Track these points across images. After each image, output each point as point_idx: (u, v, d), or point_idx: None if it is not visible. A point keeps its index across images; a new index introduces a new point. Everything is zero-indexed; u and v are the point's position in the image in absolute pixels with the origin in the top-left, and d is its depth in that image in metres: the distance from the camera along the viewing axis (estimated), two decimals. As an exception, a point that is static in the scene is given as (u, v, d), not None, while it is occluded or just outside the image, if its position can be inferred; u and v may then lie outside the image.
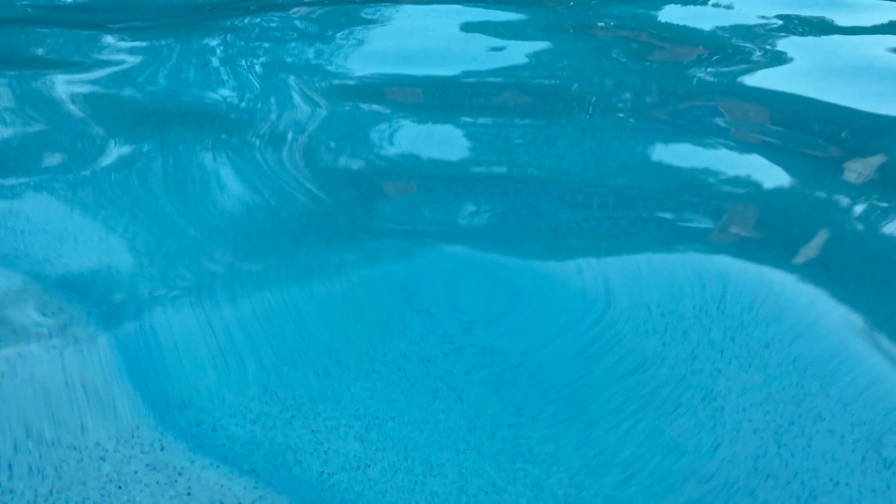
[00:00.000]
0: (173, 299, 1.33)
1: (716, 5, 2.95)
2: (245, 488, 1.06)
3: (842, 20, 2.74)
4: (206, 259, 1.43)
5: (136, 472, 1.06)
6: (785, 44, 2.48)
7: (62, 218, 1.54)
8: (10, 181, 1.67)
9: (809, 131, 1.92)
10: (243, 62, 2.31)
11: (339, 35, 2.56)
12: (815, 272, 1.41)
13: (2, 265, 1.41)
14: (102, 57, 2.34)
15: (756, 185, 1.67)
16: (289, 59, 2.36)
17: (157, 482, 1.06)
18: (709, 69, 2.27)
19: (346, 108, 2.01)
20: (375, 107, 2.03)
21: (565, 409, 1.16)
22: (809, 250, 1.48)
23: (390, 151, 1.80)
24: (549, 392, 1.18)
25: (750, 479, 1.06)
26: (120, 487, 1.05)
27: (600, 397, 1.17)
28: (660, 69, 2.30)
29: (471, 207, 1.58)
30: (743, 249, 1.48)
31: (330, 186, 1.66)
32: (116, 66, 2.26)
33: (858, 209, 1.58)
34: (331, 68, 2.27)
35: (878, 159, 1.79)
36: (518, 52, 2.40)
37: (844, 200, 1.61)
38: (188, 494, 1.04)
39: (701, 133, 1.90)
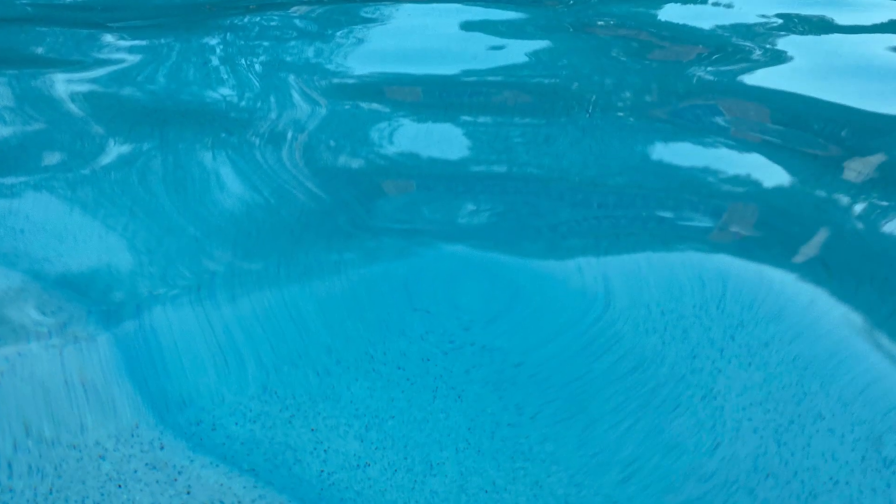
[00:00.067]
0: (173, 298, 1.33)
1: (716, 4, 2.95)
2: (245, 487, 1.06)
3: (842, 19, 2.74)
4: (205, 258, 1.43)
5: (135, 471, 1.06)
6: (785, 42, 2.48)
7: (62, 217, 1.54)
8: (9, 180, 1.67)
9: (809, 130, 1.92)
10: (243, 61, 2.31)
11: (338, 34, 2.56)
12: (815, 271, 1.41)
13: (1, 264, 1.41)
14: (102, 56, 2.34)
15: (756, 184, 1.67)
16: (288, 58, 2.35)
17: (157, 481, 1.06)
18: (709, 68, 2.27)
19: (346, 106, 2.01)
20: (375, 106, 2.03)
21: (565, 408, 1.16)
22: (809, 249, 1.48)
23: (390, 150, 1.80)
24: (548, 391, 1.18)
25: (750, 478, 1.06)
26: (120, 486, 1.05)
27: (600, 396, 1.17)
28: (660, 68, 2.30)
29: (470, 206, 1.58)
30: (743, 248, 1.48)
31: (330, 185, 1.65)
32: (116, 65, 2.26)
33: (858, 208, 1.58)
34: (330, 67, 2.27)
35: (878, 158, 1.79)
36: (518, 50, 2.40)
37: (844, 199, 1.61)
38: (188, 493, 1.04)
39: (701, 132, 1.90)
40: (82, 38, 2.52)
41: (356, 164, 1.75)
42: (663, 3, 2.95)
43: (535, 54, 2.38)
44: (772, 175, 1.70)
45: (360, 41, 2.50)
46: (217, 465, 1.08)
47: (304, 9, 2.85)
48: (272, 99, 2.05)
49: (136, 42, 2.46)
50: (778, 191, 1.65)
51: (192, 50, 2.42)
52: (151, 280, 1.37)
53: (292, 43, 2.49)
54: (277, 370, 1.21)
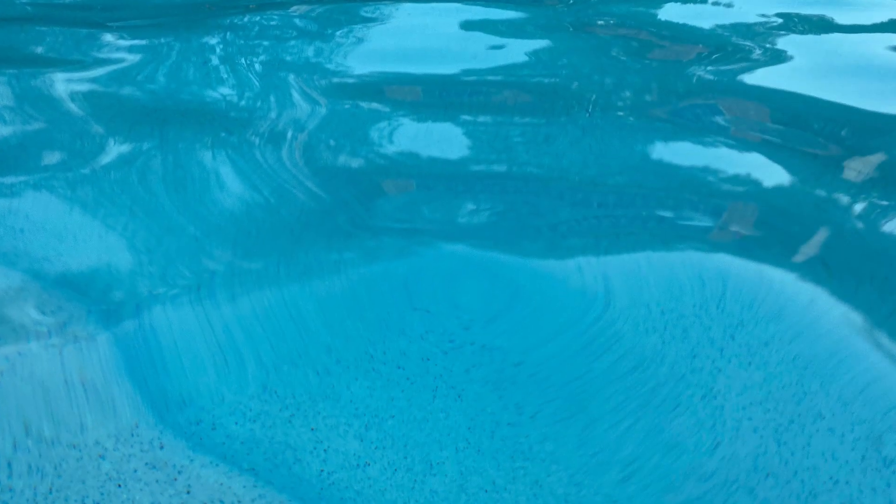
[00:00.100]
0: (173, 298, 1.33)
1: (716, 4, 2.95)
2: (245, 487, 1.05)
3: (842, 18, 2.74)
4: (205, 257, 1.43)
5: (135, 471, 1.06)
6: (785, 42, 2.48)
7: (62, 216, 1.54)
8: (9, 179, 1.67)
9: (809, 129, 1.92)
10: (243, 60, 2.31)
11: (338, 33, 2.56)
12: (815, 270, 1.41)
13: (1, 263, 1.41)
14: (102, 55, 2.34)
15: (756, 184, 1.67)
16: (288, 58, 2.35)
17: (157, 480, 1.05)
18: (709, 67, 2.27)
19: (346, 106, 2.01)
20: (375, 105, 2.02)
21: (565, 408, 1.16)
22: (809, 249, 1.48)
23: (390, 150, 1.79)
24: (548, 390, 1.18)
25: (750, 477, 1.06)
26: (119, 486, 1.05)
27: (600, 396, 1.17)
28: (660, 67, 2.30)
29: (470, 206, 1.58)
30: (743, 248, 1.48)
31: (329, 185, 1.65)
32: (116, 65, 2.26)
33: (858, 207, 1.58)
34: (330, 66, 2.27)
35: (878, 157, 1.79)
36: (518, 50, 2.40)
37: (844, 199, 1.61)
38: (188, 493, 1.04)
39: (701, 131, 1.90)
40: (82, 37, 2.52)
41: (356, 163, 1.75)
42: (663, 3, 2.95)
43: (535, 54, 2.38)
44: (772, 174, 1.70)
45: (360, 40, 2.50)
46: (217, 465, 1.08)
47: (303, 8, 2.85)
48: (272, 98, 2.05)
49: (136, 41, 2.45)
50: (778, 190, 1.65)
51: (192, 49, 2.42)
52: (151, 279, 1.37)
53: (292, 42, 2.49)
54: (277, 369, 1.21)
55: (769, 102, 2.04)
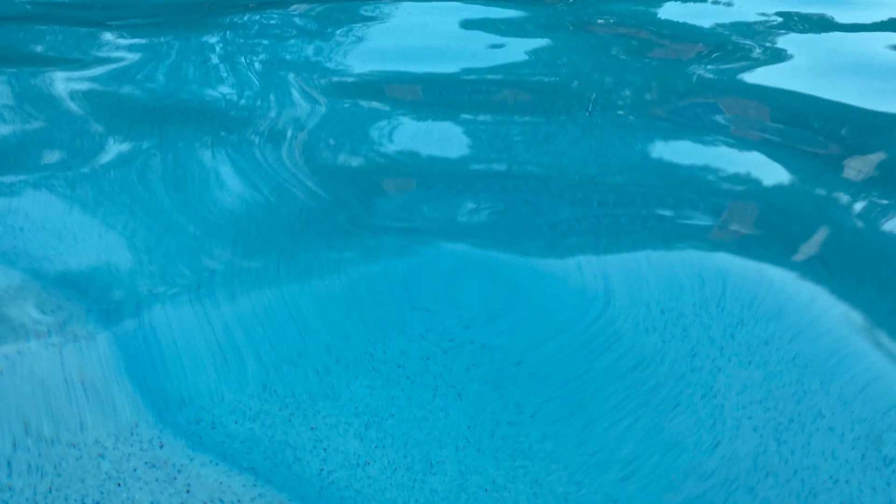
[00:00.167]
0: (172, 297, 1.33)
1: (715, 2, 2.95)
2: (244, 486, 1.05)
3: (842, 17, 2.74)
4: (205, 256, 1.43)
5: (135, 470, 1.06)
6: (785, 41, 2.48)
7: (61, 215, 1.54)
8: (9, 178, 1.66)
9: (809, 128, 1.91)
10: (243, 59, 2.31)
11: (338, 32, 2.56)
12: (815, 269, 1.41)
13: (1, 262, 1.41)
14: (101, 54, 2.34)
15: (756, 183, 1.67)
16: (288, 57, 2.35)
17: (157, 480, 1.05)
18: (709, 66, 2.27)
19: (346, 105, 2.01)
20: (375, 104, 2.02)
21: (565, 407, 1.16)
22: (809, 248, 1.48)
23: (390, 149, 1.79)
24: (548, 389, 1.18)
25: (750, 476, 1.06)
26: (119, 485, 1.05)
27: (600, 395, 1.17)
28: (659, 66, 2.30)
29: (470, 205, 1.58)
30: (743, 247, 1.48)
31: (329, 184, 1.65)
32: (115, 64, 2.26)
33: (858, 206, 1.58)
34: (330, 65, 2.27)
35: (878, 156, 1.79)
36: (518, 49, 2.40)
37: (844, 198, 1.61)
38: (187, 492, 1.04)
39: (701, 130, 1.90)
40: (82, 36, 2.52)
41: (356, 162, 1.75)
42: (663, 2, 2.95)
43: (534, 52, 2.38)
44: (772, 173, 1.70)
45: (360, 39, 2.50)
46: (217, 464, 1.08)
47: (303, 7, 2.85)
48: (272, 97, 2.05)
49: (136, 40, 2.45)
50: (778, 189, 1.65)
51: (192, 48, 2.42)
52: (151, 278, 1.37)
53: (292, 41, 2.49)
54: (277, 368, 1.21)
55: (769, 101, 2.04)
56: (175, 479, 1.06)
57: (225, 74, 2.20)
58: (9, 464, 1.07)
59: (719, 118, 1.95)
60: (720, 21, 2.68)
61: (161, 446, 1.10)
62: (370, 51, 2.40)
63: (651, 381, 1.18)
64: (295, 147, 1.79)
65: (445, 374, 1.21)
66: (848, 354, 1.22)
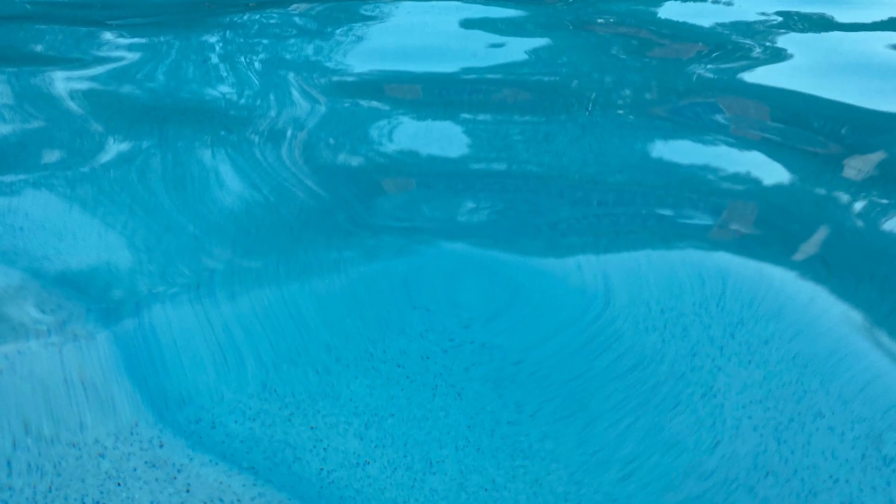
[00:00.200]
0: (172, 296, 1.33)
1: (715, 2, 2.95)
2: (244, 485, 1.05)
3: (842, 17, 2.74)
4: (205, 256, 1.43)
5: (135, 469, 1.06)
6: (785, 40, 2.48)
7: (61, 215, 1.54)
8: (8, 178, 1.66)
9: (809, 128, 1.91)
10: (242, 59, 2.31)
11: (338, 31, 2.56)
12: (815, 269, 1.41)
13: (1, 262, 1.41)
14: (101, 53, 2.34)
15: (756, 182, 1.67)
16: (288, 56, 2.35)
17: (157, 479, 1.05)
18: (709, 66, 2.27)
19: (346, 104, 2.01)
20: (375, 103, 2.02)
21: (565, 406, 1.16)
22: (809, 247, 1.48)
23: (389, 148, 1.79)
24: (548, 389, 1.18)
25: (750, 476, 1.06)
26: (119, 484, 1.05)
27: (600, 394, 1.17)
28: (659, 66, 2.30)
29: (470, 204, 1.58)
30: (743, 246, 1.48)
31: (329, 183, 1.65)
32: (115, 63, 2.26)
33: (858, 206, 1.58)
34: (330, 65, 2.27)
35: (878, 156, 1.79)
36: (517, 48, 2.40)
37: (844, 197, 1.61)
38: (187, 492, 1.04)
39: (701, 130, 1.90)
40: (81, 35, 2.52)
41: (356, 161, 1.75)
42: (663, 1, 2.95)
43: (534, 52, 2.38)
44: (772, 173, 1.70)
45: (360, 39, 2.50)
46: (216, 463, 1.08)
47: (303, 6, 2.85)
48: (272, 97, 2.05)
49: (136, 40, 2.45)
50: (778, 188, 1.65)
51: (192, 48, 2.42)
52: (151, 278, 1.37)
53: (292, 41, 2.49)
54: (277, 368, 1.21)
55: (769, 101, 2.04)
56: (175, 478, 1.06)
57: (225, 74, 2.20)
58: (9, 463, 1.07)
59: (719, 118, 1.95)
60: (720, 21, 2.68)
61: (161, 446, 1.10)
62: (370, 50, 2.40)
63: (651, 380, 1.18)
64: (295, 146, 1.79)
65: (445, 374, 1.21)
66: (848, 354, 1.22)
